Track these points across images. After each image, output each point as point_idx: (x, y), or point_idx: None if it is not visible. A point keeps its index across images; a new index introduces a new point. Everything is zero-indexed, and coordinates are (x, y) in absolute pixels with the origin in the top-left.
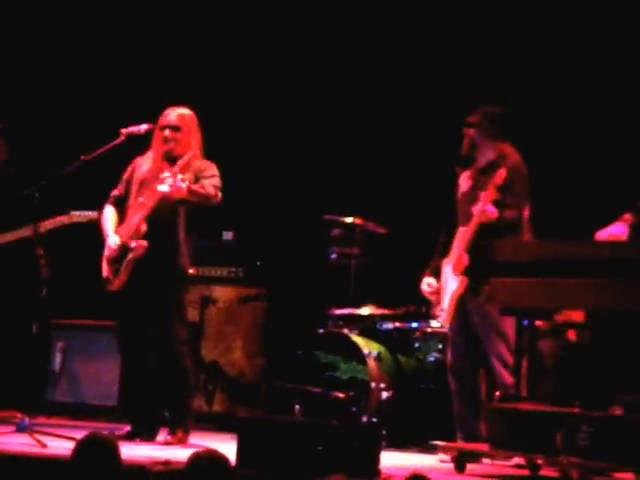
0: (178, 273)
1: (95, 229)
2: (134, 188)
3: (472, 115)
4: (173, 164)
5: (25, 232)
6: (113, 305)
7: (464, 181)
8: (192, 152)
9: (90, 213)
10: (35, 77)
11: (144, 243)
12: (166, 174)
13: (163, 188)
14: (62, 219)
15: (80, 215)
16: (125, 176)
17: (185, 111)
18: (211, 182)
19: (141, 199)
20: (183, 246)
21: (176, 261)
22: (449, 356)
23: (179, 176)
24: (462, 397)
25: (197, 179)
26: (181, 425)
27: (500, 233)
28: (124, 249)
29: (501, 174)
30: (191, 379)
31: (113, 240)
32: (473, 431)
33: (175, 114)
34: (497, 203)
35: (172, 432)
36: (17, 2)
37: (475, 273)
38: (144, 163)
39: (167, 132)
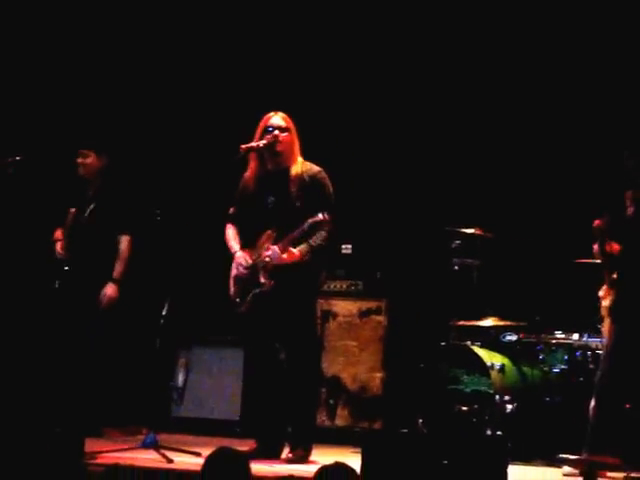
0: (310, 287)
1: (218, 244)
2: (249, 206)
3: None
4: (281, 175)
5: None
6: (240, 323)
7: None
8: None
9: None
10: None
11: (271, 283)
12: (277, 251)
13: (272, 259)
14: None
15: None
16: (238, 195)
17: (285, 114)
18: (320, 233)
19: (269, 231)
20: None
21: (309, 277)
22: None
23: (294, 250)
24: None
25: (308, 193)
26: (303, 442)
27: None
28: (253, 270)
29: None
30: (316, 396)
31: (244, 257)
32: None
33: (279, 116)
34: None
35: (293, 449)
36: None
37: None
38: (252, 180)
39: (276, 132)
